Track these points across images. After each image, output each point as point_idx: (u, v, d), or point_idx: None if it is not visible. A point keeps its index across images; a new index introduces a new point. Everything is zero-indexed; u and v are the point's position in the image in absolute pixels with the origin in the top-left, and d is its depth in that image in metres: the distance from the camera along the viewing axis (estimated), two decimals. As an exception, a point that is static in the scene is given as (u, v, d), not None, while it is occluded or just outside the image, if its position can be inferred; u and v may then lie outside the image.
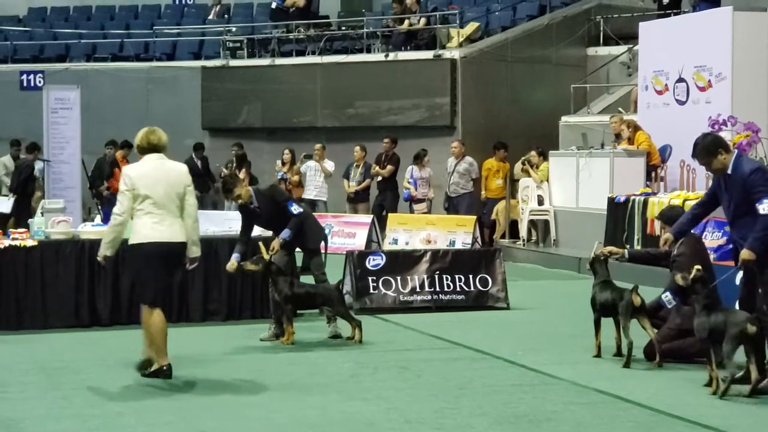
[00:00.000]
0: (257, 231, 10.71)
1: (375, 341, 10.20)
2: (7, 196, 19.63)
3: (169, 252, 8.41)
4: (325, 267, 10.56)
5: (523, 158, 18.94)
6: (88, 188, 20.11)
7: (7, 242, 10.84)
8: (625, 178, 16.60)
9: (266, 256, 10.07)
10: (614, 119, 17.82)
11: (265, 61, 23.66)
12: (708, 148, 8.34)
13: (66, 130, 18.19)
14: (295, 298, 10.10)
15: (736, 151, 8.52)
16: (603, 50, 22.87)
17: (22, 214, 17.90)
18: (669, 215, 9.54)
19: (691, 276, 8.08)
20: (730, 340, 7.74)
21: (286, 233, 10.12)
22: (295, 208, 10.22)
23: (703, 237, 11.50)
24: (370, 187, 20.06)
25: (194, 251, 8.59)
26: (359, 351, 9.79)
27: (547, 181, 18.41)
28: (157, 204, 8.34)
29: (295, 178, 19.99)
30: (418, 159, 19.59)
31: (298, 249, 10.50)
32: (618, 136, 17.37)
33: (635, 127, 17.18)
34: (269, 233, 10.77)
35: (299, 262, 10.61)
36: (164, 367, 8.33)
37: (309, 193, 19.87)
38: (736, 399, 7.72)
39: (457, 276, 12.41)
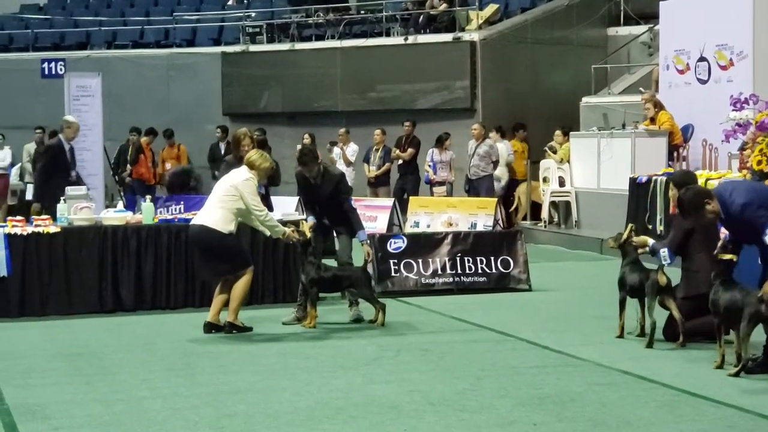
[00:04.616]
0: (278, 215, 10.76)
1: (397, 324, 10.21)
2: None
3: None
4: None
5: (546, 146, 18.95)
6: (111, 175, 20.20)
7: (30, 229, 10.90)
8: (646, 158, 16.53)
9: (309, 235, 10.11)
10: (645, 96, 17.51)
11: (284, 46, 23.67)
12: (693, 202, 8.16)
13: (88, 117, 18.24)
14: (322, 281, 10.12)
15: (717, 191, 8.26)
16: (624, 30, 22.76)
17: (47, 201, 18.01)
18: (682, 179, 9.42)
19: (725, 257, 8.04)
20: (746, 320, 7.70)
21: (363, 235, 10.35)
22: (354, 203, 10.48)
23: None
24: (390, 171, 20.05)
25: None
26: (382, 334, 9.80)
27: (568, 161, 18.35)
28: None
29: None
30: (440, 142, 19.55)
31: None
32: (653, 120, 17.15)
33: (659, 107, 17.06)
34: (296, 217, 10.91)
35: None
36: None
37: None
38: (762, 378, 7.69)
39: (478, 258, 12.40)
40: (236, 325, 9.79)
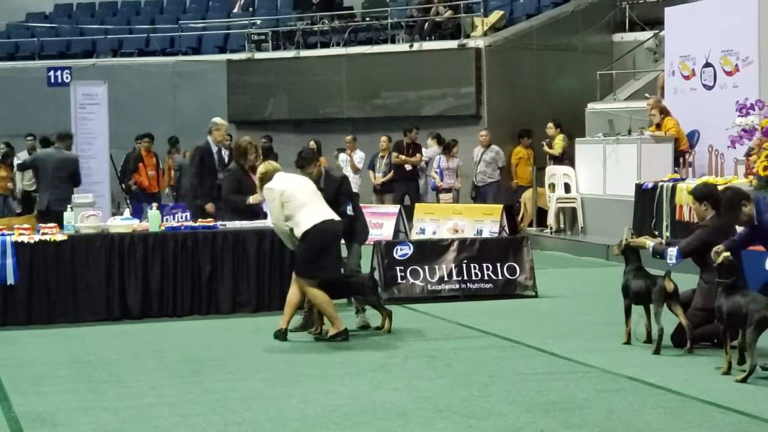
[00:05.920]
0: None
1: (404, 331, 10.21)
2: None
3: None
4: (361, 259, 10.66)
5: (543, 142, 19.13)
6: (118, 183, 20.23)
7: (37, 237, 10.92)
8: (652, 164, 16.52)
9: None
10: (651, 102, 17.50)
11: (290, 54, 23.72)
12: (732, 201, 8.07)
13: (94, 125, 18.30)
14: (329, 287, 10.11)
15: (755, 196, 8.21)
16: (629, 36, 22.79)
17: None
18: (702, 192, 9.24)
19: (719, 260, 8.03)
20: (752, 327, 7.68)
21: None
22: (350, 210, 10.37)
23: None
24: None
25: None
26: (389, 341, 9.80)
27: (562, 153, 18.47)
28: None
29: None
30: (448, 149, 19.58)
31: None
32: (659, 126, 17.13)
33: (665, 112, 17.04)
34: None
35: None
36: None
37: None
38: (768, 384, 7.70)
39: (484, 264, 12.39)
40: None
